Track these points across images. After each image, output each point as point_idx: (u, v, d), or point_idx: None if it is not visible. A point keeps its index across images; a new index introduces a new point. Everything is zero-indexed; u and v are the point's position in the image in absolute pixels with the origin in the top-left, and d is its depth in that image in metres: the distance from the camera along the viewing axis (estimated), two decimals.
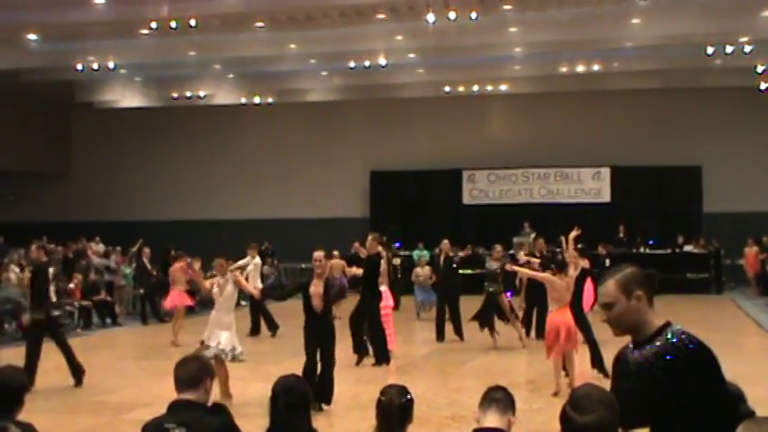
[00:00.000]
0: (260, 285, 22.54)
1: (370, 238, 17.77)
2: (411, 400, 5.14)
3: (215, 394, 11.28)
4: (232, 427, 5.01)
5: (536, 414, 11.09)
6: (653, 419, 4.02)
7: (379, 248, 17.70)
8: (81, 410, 12.87)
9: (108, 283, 26.21)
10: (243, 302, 21.35)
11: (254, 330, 21.59)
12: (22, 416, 5.04)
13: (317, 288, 12.39)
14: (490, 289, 18.63)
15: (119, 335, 23.39)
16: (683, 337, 4.15)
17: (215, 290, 12.96)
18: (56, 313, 15.55)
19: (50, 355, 18.99)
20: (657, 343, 4.15)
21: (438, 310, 20.90)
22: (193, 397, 5.01)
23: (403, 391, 5.17)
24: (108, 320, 24.52)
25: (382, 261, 17.69)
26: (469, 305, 19.51)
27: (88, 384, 15.22)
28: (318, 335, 12.34)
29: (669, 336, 4.16)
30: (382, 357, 16.68)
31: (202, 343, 12.72)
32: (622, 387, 4.02)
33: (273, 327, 21.49)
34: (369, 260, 17.27)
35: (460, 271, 21.64)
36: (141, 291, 26.12)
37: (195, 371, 5.08)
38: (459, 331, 20.00)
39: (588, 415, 3.54)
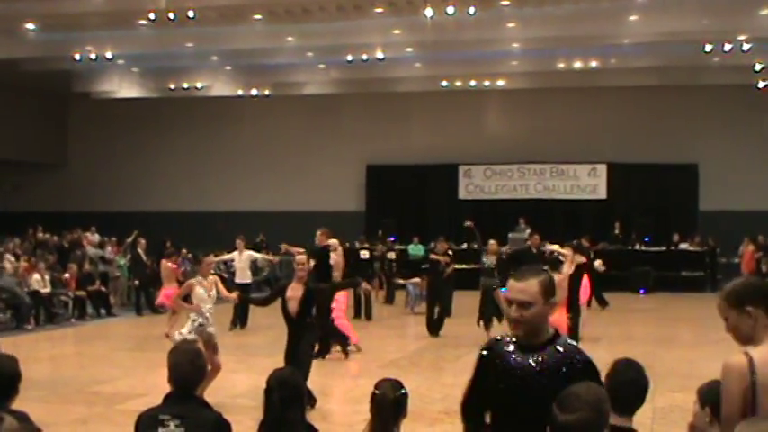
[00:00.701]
0: (249, 279, 22.40)
1: (319, 232, 18.20)
2: (405, 395, 5.15)
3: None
4: (226, 422, 5.02)
5: None
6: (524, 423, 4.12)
7: (329, 242, 17.91)
8: (74, 400, 12.87)
9: (103, 273, 26.20)
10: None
11: (242, 323, 21.47)
12: (15, 405, 5.04)
13: (294, 291, 11.71)
14: (486, 284, 18.66)
15: (113, 325, 23.38)
16: (573, 349, 4.29)
17: (200, 290, 12.48)
18: None
19: (42, 344, 19.07)
20: (548, 350, 4.26)
21: (428, 306, 20.88)
22: (189, 390, 5.02)
23: (397, 385, 5.18)
24: (102, 311, 24.48)
25: (333, 254, 17.89)
26: (464, 300, 19.53)
27: (82, 375, 15.22)
28: (293, 340, 11.76)
29: (561, 346, 4.27)
30: (344, 344, 16.89)
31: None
32: (496, 383, 4.11)
33: (242, 321, 21.45)
34: (318, 254, 17.64)
35: (455, 266, 21.69)
36: (136, 282, 26.10)
37: (190, 368, 5.08)
38: (431, 326, 20.17)
39: (571, 414, 3.54)
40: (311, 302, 11.91)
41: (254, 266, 23.22)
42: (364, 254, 25.37)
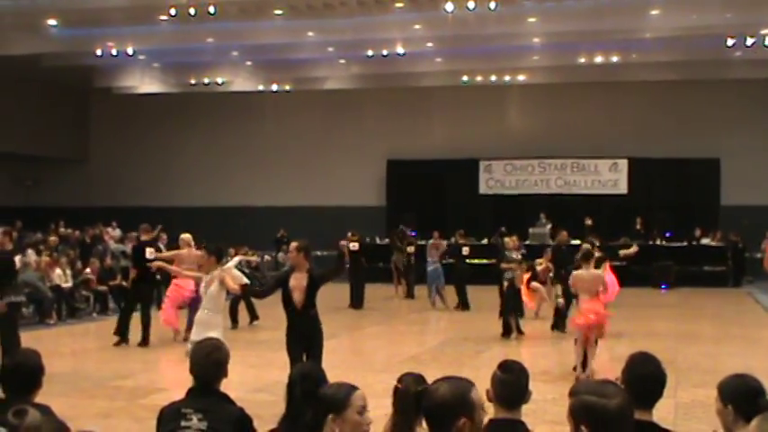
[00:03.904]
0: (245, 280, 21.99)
1: (141, 228, 19.49)
2: (429, 387, 5.13)
3: None
4: (248, 417, 5.04)
5: (551, 405, 11.07)
6: None
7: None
8: (96, 395, 12.92)
9: (124, 268, 26.23)
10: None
11: (252, 317, 20.97)
12: (38, 399, 5.07)
13: (298, 281, 10.99)
14: (510, 277, 18.57)
15: (134, 320, 23.39)
16: None
17: (201, 286, 12.00)
18: (14, 299, 14.82)
19: (64, 339, 19.17)
20: None
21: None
22: (210, 384, 5.05)
23: (420, 379, 5.16)
24: (124, 306, 24.52)
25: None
26: (484, 295, 19.50)
27: (104, 369, 15.29)
28: (302, 334, 11.09)
29: None
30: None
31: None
32: None
33: (253, 317, 20.94)
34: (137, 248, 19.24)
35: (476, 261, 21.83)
36: (158, 277, 26.08)
37: (213, 364, 5.11)
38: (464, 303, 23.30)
39: (615, 398, 3.41)
40: (316, 290, 11.19)
41: (277, 261, 23.14)
42: (354, 246, 25.46)
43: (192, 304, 18.25)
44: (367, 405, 4.23)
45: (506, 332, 18.49)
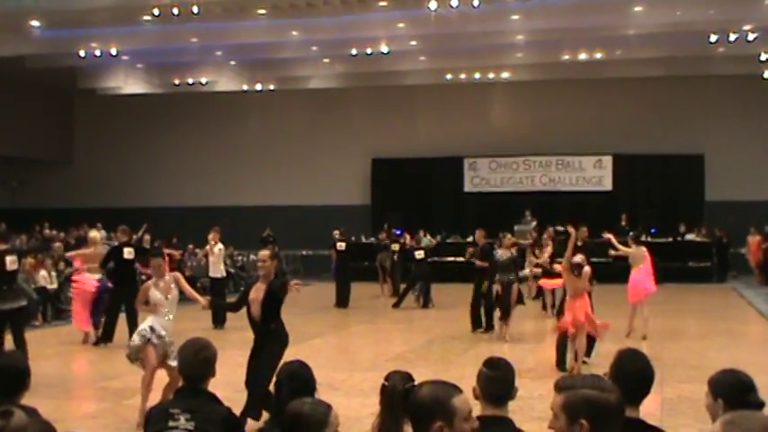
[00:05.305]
0: (222, 274, 21.64)
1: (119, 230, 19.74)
2: (415, 387, 5.14)
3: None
4: (235, 416, 5.04)
5: (537, 402, 11.10)
6: None
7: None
8: (83, 396, 12.91)
9: (109, 269, 26.11)
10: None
11: (220, 322, 20.05)
12: (24, 401, 5.05)
13: (257, 292, 10.43)
14: (507, 279, 18.16)
15: (120, 321, 23.30)
16: None
17: (156, 294, 11.12)
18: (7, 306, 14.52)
19: (50, 340, 19.10)
20: None
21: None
22: (197, 384, 5.05)
23: (407, 377, 5.17)
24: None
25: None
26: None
27: (90, 370, 15.26)
28: (258, 348, 10.60)
29: None
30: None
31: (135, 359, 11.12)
32: None
33: (220, 321, 20.02)
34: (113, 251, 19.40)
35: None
36: (142, 277, 26.03)
37: (202, 362, 5.11)
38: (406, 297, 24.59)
39: (613, 392, 3.49)
40: (274, 304, 10.52)
41: (231, 259, 22.89)
42: (341, 245, 25.52)
43: (97, 302, 18.36)
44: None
45: (485, 327, 18.62)
